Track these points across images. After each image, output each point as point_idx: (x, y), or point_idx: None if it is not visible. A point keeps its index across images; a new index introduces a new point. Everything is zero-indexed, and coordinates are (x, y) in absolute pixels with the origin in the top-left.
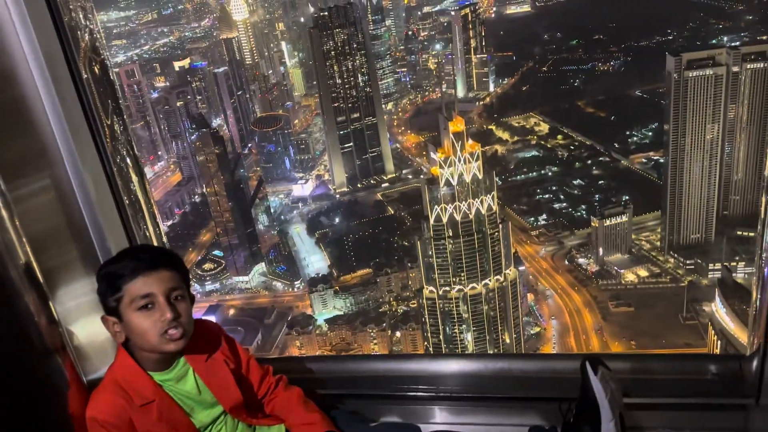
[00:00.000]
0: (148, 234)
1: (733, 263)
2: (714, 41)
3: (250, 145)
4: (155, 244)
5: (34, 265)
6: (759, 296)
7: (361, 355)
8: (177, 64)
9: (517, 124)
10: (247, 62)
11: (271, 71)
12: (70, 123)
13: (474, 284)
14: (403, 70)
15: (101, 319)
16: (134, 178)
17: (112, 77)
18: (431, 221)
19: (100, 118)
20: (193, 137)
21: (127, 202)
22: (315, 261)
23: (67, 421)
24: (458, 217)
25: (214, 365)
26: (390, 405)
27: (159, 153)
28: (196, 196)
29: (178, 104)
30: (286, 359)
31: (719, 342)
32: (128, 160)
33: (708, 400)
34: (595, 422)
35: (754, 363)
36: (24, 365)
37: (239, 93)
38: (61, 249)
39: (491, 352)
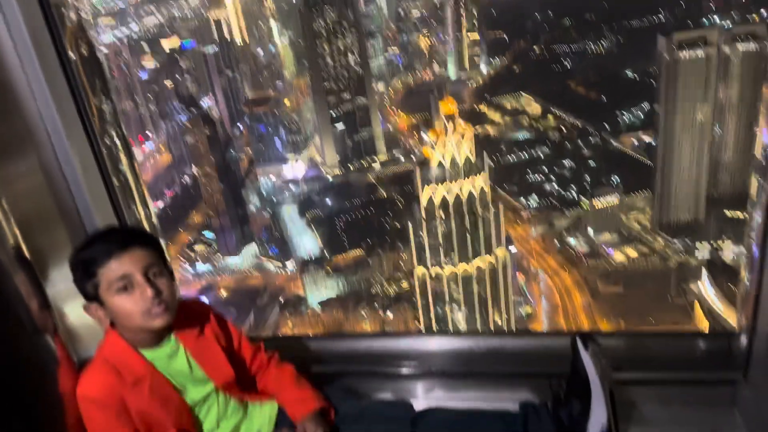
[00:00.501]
0: (138, 215)
1: (721, 243)
2: (705, 21)
3: (240, 125)
4: (146, 225)
5: (24, 247)
6: (748, 276)
7: (353, 334)
8: (166, 44)
9: (508, 105)
10: (237, 42)
11: (260, 51)
12: (57, 104)
13: (465, 265)
14: (394, 49)
15: (83, 308)
16: (123, 160)
17: (99, 57)
18: (423, 202)
19: (87, 98)
20: (182, 118)
21: (116, 183)
22: (307, 242)
23: (58, 400)
24: (450, 199)
25: (204, 342)
26: (382, 382)
27: (148, 134)
28: (187, 177)
29: (167, 85)
30: (278, 338)
31: (707, 321)
32: (117, 141)
33: (697, 375)
34: (585, 398)
35: (743, 340)
36: (15, 345)
37: (229, 73)
38: (51, 232)
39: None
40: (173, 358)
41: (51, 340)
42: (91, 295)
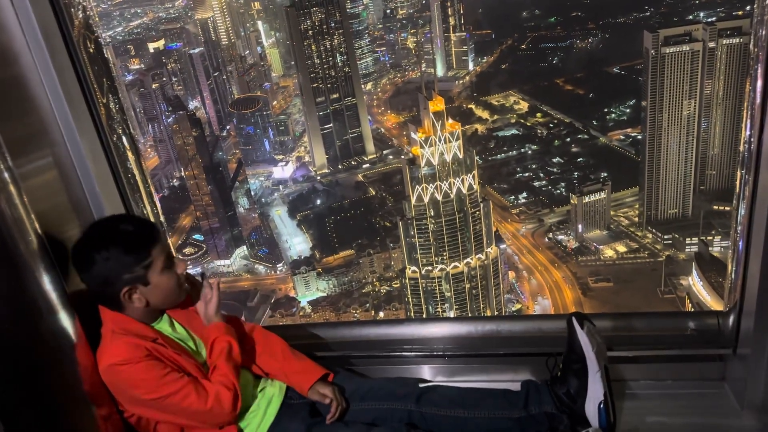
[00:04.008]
0: (145, 211)
1: (710, 237)
2: (690, 17)
3: (228, 127)
4: (152, 220)
5: (43, 240)
6: (734, 268)
7: (353, 322)
8: (151, 46)
9: (496, 103)
10: (223, 42)
11: (247, 52)
12: (69, 101)
13: (456, 263)
14: (382, 49)
15: (122, 295)
16: (131, 157)
17: (106, 55)
18: (413, 201)
19: (96, 96)
20: (169, 120)
21: (125, 180)
22: (297, 243)
23: (73, 380)
24: (439, 197)
25: (192, 314)
26: (385, 366)
27: (135, 136)
28: (175, 180)
29: (154, 86)
30: (284, 326)
31: None
32: (124, 139)
33: (688, 351)
34: (582, 375)
35: (731, 317)
36: (34, 330)
37: (216, 74)
38: (65, 225)
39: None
40: (173, 329)
41: (68, 325)
42: (135, 278)
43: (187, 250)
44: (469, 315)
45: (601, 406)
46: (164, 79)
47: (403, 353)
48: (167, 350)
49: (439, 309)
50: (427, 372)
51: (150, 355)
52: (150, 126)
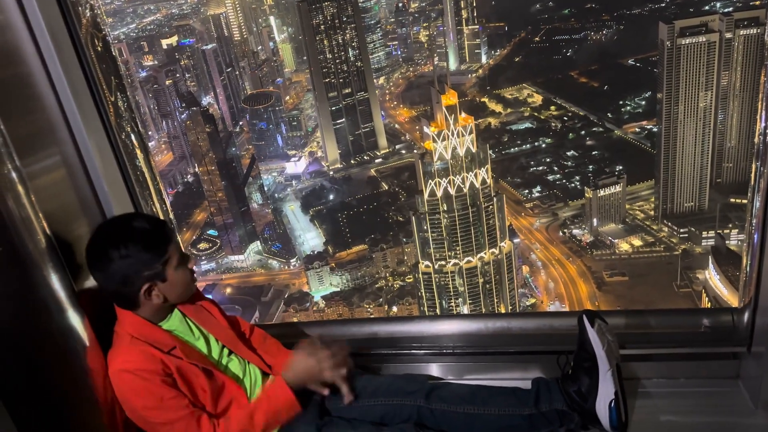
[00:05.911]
0: (155, 209)
1: (726, 230)
2: (707, 7)
3: (241, 122)
4: (162, 218)
5: (52, 239)
6: (749, 262)
7: (362, 319)
8: (165, 42)
9: (510, 96)
10: (236, 38)
11: (260, 47)
12: (76, 100)
13: (469, 258)
14: (394, 43)
15: (143, 293)
16: (140, 155)
17: (114, 53)
18: (426, 196)
19: (105, 94)
20: (183, 116)
21: (134, 178)
22: (310, 238)
23: (86, 383)
24: (452, 191)
25: (198, 307)
26: (394, 364)
27: (149, 133)
28: (189, 176)
29: (167, 83)
30: (287, 325)
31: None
32: (133, 137)
33: (702, 349)
34: (593, 373)
35: (746, 314)
36: (43, 332)
37: (228, 70)
38: (73, 224)
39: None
40: (183, 325)
41: (77, 325)
42: (153, 275)
43: (202, 246)
44: (483, 310)
45: (612, 405)
46: (177, 75)
47: (413, 351)
48: (182, 362)
49: (452, 304)
50: (436, 370)
51: (163, 371)
52: (164, 122)
